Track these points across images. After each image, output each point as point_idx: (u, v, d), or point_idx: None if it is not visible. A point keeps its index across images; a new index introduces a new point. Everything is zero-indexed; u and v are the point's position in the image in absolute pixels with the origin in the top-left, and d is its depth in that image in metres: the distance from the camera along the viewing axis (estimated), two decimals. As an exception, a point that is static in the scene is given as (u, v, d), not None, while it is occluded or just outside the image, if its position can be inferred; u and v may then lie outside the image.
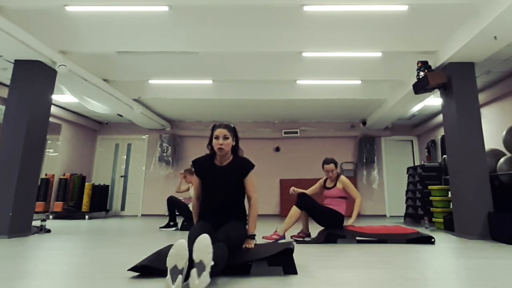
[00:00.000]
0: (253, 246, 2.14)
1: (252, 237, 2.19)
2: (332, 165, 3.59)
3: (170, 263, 1.59)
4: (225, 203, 2.20)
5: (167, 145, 7.82)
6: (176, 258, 1.59)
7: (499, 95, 5.12)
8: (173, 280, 1.54)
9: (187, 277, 1.58)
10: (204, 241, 1.60)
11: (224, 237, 1.86)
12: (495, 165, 4.07)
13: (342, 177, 3.61)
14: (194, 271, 1.53)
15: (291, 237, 3.55)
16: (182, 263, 1.59)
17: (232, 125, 2.30)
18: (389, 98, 5.97)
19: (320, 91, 5.81)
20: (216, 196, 2.19)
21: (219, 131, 2.20)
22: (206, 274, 1.52)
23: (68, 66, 4.17)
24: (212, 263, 1.56)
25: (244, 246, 2.12)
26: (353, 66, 4.91)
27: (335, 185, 3.61)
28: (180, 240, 1.65)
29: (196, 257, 1.57)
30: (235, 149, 2.30)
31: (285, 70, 5.07)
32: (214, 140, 2.20)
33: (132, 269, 1.92)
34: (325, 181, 3.76)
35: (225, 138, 2.19)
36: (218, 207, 2.18)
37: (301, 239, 3.49)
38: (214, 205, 2.19)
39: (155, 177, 7.88)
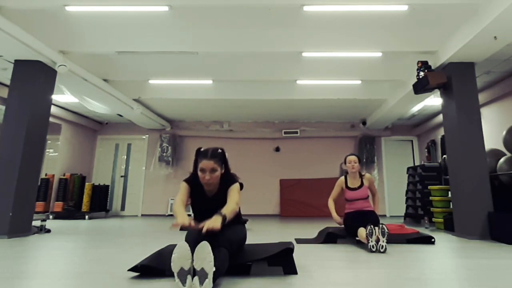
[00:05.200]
0: (217, 226, 1.71)
1: (223, 217, 1.78)
2: (355, 157, 3.42)
3: (175, 267, 1.59)
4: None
5: (167, 145, 7.81)
6: (180, 260, 1.59)
7: (499, 95, 5.12)
8: (183, 282, 1.54)
9: (194, 274, 1.57)
10: (204, 249, 1.58)
11: (225, 243, 1.82)
12: (495, 165, 4.08)
13: (367, 174, 3.47)
14: (196, 279, 1.53)
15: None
16: (188, 264, 1.59)
17: (219, 150, 2.03)
18: (389, 98, 5.97)
19: (320, 91, 5.82)
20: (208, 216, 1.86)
21: (205, 164, 1.94)
22: (208, 282, 1.51)
23: (68, 66, 4.17)
24: (214, 269, 1.56)
25: (204, 226, 1.72)
26: (353, 66, 4.91)
27: (361, 184, 3.37)
28: (180, 243, 1.65)
29: (197, 265, 1.56)
30: (224, 176, 2.08)
31: (285, 70, 5.07)
32: (200, 173, 1.97)
33: (132, 269, 1.92)
34: (345, 182, 3.44)
35: (212, 171, 1.96)
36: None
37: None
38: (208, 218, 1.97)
39: (155, 177, 7.86)
